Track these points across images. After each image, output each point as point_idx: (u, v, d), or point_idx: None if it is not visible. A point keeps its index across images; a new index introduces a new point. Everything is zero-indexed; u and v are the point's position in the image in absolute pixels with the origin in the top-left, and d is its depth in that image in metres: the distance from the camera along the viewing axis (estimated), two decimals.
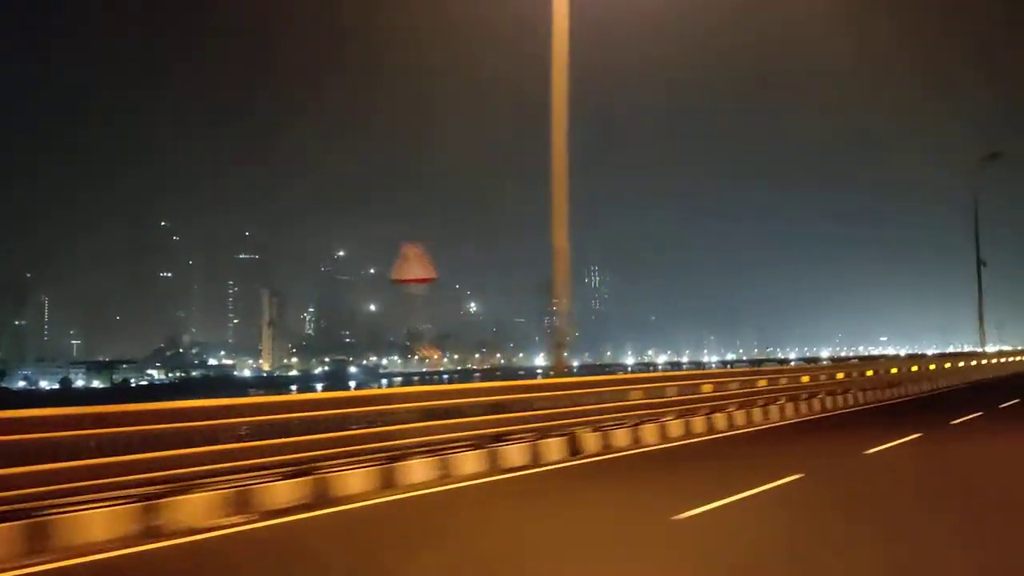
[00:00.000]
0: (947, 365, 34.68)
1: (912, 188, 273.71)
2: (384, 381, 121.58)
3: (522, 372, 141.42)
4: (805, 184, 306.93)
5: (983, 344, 45.01)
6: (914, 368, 30.42)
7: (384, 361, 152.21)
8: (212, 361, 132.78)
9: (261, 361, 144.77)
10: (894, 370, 28.87)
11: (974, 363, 38.63)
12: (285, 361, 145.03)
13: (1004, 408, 21.37)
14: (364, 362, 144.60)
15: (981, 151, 45.58)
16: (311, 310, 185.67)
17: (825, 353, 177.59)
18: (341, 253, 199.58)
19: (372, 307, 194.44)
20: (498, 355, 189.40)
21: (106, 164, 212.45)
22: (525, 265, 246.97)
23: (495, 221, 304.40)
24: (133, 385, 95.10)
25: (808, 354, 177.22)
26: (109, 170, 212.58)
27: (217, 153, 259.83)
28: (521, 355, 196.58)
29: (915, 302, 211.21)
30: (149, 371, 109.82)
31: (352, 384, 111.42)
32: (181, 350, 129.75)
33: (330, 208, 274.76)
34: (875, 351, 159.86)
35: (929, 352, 59.17)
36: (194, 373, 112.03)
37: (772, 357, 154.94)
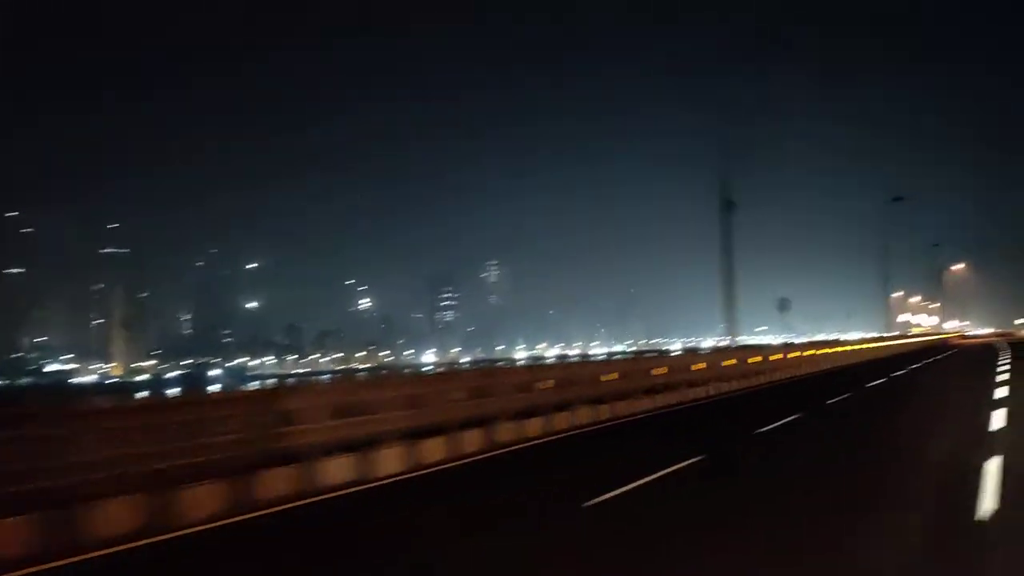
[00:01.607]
0: (793, 355, 32.00)
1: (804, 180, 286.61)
2: (256, 383, 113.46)
3: (408, 370, 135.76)
4: (681, 172, 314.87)
5: (733, 333, 38.76)
6: (755, 359, 27.25)
7: (255, 362, 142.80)
8: (53, 366, 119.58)
9: (114, 365, 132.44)
10: (731, 361, 25.56)
11: (821, 352, 36.38)
12: (141, 364, 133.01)
13: (831, 404, 17.97)
14: (232, 363, 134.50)
15: None
16: (192, 309, 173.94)
17: (707, 343, 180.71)
18: (215, 251, 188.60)
19: (254, 304, 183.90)
20: (385, 352, 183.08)
21: None
22: (419, 256, 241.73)
23: (390, 212, 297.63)
24: None
25: (691, 343, 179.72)
26: None
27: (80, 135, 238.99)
28: (412, 351, 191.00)
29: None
30: None
31: (214, 388, 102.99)
32: (20, 354, 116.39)
33: (207, 198, 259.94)
34: (754, 340, 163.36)
35: (797, 340, 58.35)
36: (23, 380, 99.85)
37: (654, 349, 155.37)
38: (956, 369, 32.52)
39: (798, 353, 32.38)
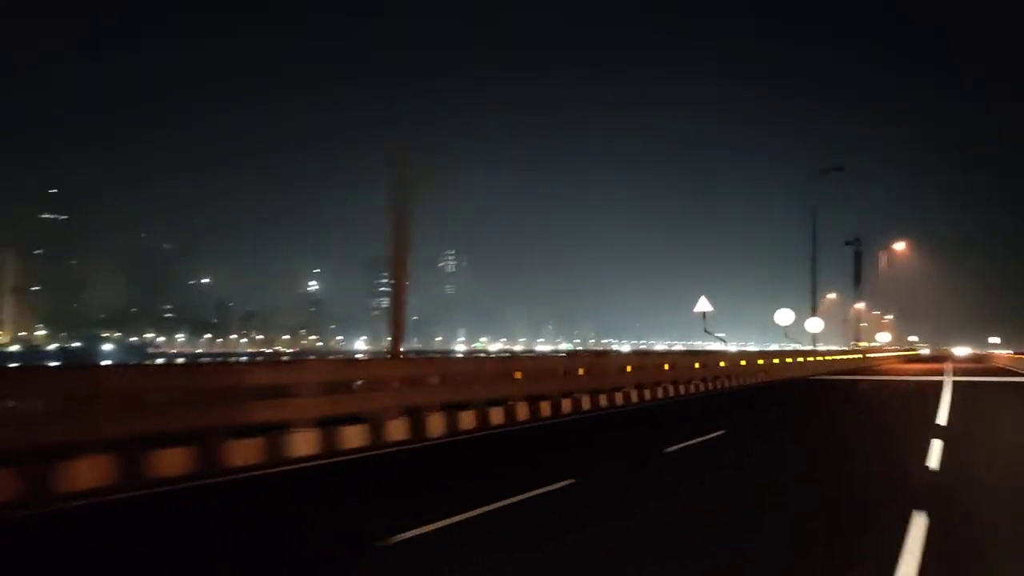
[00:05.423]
0: (743, 363, 30.76)
1: (755, 187, 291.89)
2: (160, 360, 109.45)
3: (334, 357, 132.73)
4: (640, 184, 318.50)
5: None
6: (699, 364, 25.71)
7: (161, 339, 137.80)
8: None
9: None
10: (667, 365, 23.96)
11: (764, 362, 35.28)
12: (27, 334, 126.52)
13: (761, 418, 16.41)
14: (134, 339, 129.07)
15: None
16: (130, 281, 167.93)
17: (660, 346, 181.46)
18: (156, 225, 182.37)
19: (192, 280, 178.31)
20: (314, 337, 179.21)
21: None
22: (363, 239, 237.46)
23: (335, 192, 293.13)
24: None
25: (643, 346, 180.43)
26: None
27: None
28: (341, 338, 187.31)
29: (751, 300, 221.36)
30: None
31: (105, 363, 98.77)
32: None
33: (154, 170, 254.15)
34: (710, 346, 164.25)
35: (750, 348, 56.29)
36: None
37: (592, 349, 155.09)
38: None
39: (743, 362, 31.17)
